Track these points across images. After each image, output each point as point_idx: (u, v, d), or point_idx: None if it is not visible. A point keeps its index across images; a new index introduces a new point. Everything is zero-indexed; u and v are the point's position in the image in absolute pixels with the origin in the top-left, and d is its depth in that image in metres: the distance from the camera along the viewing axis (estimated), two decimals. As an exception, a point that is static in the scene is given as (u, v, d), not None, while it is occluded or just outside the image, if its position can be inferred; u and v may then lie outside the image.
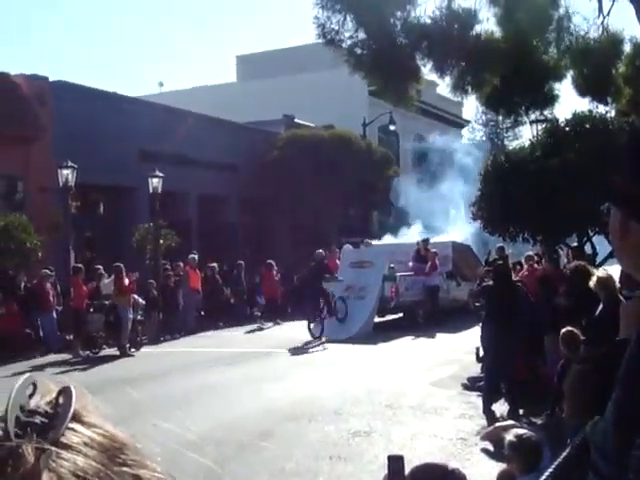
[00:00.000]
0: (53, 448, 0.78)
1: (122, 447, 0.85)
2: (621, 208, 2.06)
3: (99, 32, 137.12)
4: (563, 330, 8.92)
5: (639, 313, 2.72)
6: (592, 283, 9.52)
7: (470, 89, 18.93)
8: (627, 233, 2.04)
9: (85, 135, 28.03)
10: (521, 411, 13.03)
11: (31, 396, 0.84)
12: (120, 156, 29.52)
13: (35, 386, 0.84)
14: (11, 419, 0.79)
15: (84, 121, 28.49)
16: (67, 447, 0.79)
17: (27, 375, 0.84)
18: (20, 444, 0.77)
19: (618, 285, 9.34)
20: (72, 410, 0.83)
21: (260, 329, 28.16)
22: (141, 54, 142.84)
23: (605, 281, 9.36)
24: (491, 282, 14.28)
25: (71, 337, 23.04)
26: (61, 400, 0.84)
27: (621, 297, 8.79)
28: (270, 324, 29.02)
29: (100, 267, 24.43)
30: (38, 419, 0.81)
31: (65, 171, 24.76)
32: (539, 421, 12.35)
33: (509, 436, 4.77)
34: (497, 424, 4.51)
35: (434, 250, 28.47)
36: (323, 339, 23.50)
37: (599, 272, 9.68)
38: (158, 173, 28.03)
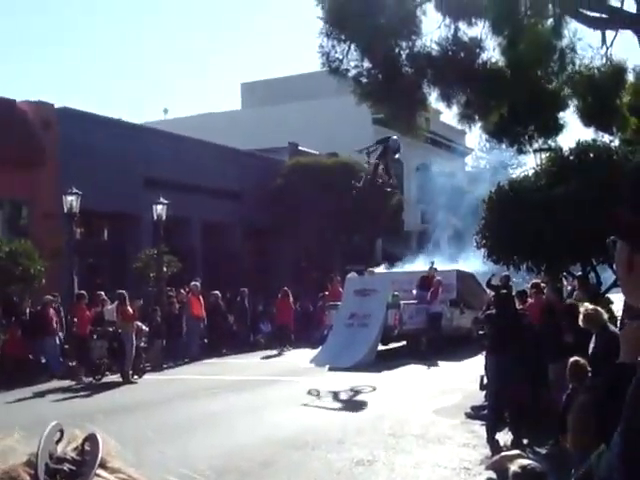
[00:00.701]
0: None
1: None
2: (627, 242, 2.07)
3: (105, 59, 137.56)
4: (571, 360, 8.92)
5: (638, 336, 2.73)
6: (580, 321, 9.57)
7: (477, 117, 18.99)
8: (633, 267, 2.06)
9: (90, 162, 28.13)
10: (525, 441, 12.98)
11: (58, 442, 0.84)
12: (124, 183, 29.61)
13: (62, 433, 0.85)
14: (41, 466, 0.79)
15: (89, 148, 28.60)
16: None
17: (55, 422, 0.85)
18: None
19: (620, 314, 9.39)
20: (99, 458, 0.83)
21: (267, 357, 28.07)
22: (146, 81, 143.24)
23: (591, 315, 9.40)
24: (495, 310, 14.27)
25: (74, 363, 23.04)
26: (87, 447, 0.84)
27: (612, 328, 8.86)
28: (275, 351, 28.96)
29: (103, 294, 24.47)
30: (67, 466, 0.81)
31: (70, 197, 24.86)
32: (543, 451, 12.31)
33: (513, 466, 4.76)
34: (502, 454, 4.49)
35: (438, 278, 28.48)
36: (327, 367, 23.47)
37: (583, 308, 9.71)
38: (162, 200, 28.11)
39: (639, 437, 1.86)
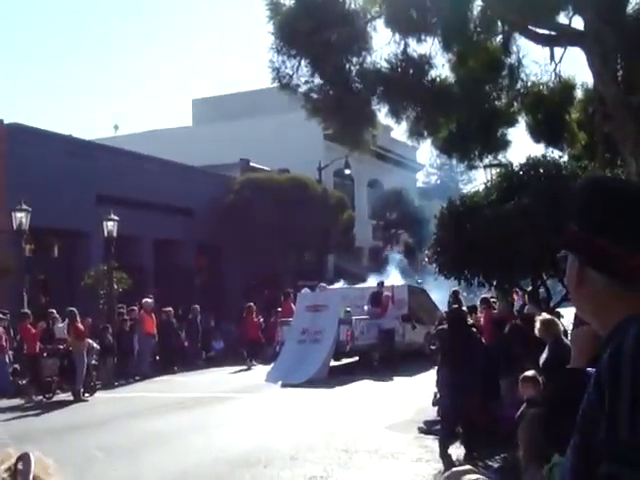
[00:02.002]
0: None
1: None
2: (577, 256, 2.09)
3: (53, 75, 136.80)
4: (524, 374, 8.98)
5: (587, 341, 2.75)
6: (536, 330, 9.61)
7: (426, 133, 19.07)
8: (583, 281, 2.07)
9: (40, 178, 27.90)
10: (477, 454, 13.03)
11: None
12: (75, 199, 29.40)
13: None
14: None
15: (38, 164, 28.37)
16: None
17: None
18: None
19: (570, 327, 9.45)
20: (31, 477, 0.81)
21: (219, 374, 27.96)
22: (96, 97, 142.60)
23: (548, 324, 9.45)
24: (445, 326, 14.33)
25: (24, 382, 22.78)
26: (20, 467, 0.82)
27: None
28: (227, 369, 28.87)
29: (54, 311, 24.25)
30: None
31: (19, 214, 24.64)
32: (495, 465, 12.36)
33: (463, 481, 4.75)
34: (454, 469, 4.48)
35: (387, 293, 28.56)
36: (279, 383, 23.45)
37: (540, 317, 9.76)
38: (113, 216, 27.97)
39: (589, 453, 1.86)
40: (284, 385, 23.12)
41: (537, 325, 9.57)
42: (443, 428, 13.53)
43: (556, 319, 9.70)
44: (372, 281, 32.18)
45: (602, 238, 1.98)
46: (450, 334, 13.65)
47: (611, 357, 1.84)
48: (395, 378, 24.18)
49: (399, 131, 21.51)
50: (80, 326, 22.39)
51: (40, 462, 0.84)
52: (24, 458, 0.83)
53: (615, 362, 1.82)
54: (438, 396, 15.55)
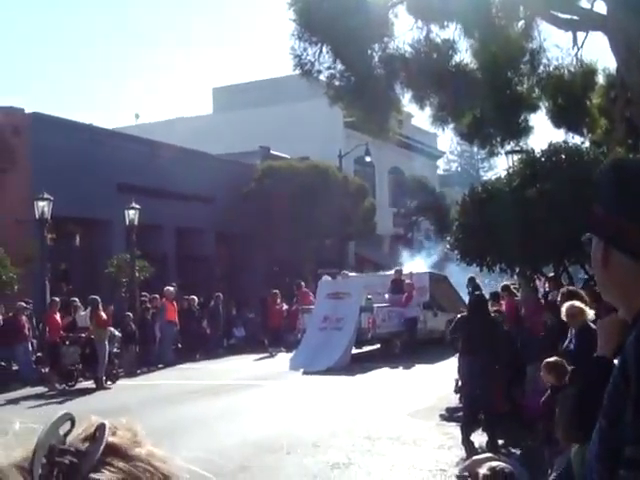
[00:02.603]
0: None
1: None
2: (602, 239, 2.08)
3: (76, 64, 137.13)
4: (546, 360, 8.93)
5: (614, 330, 2.72)
6: (563, 315, 9.53)
7: (450, 119, 19.01)
8: (609, 263, 2.06)
9: (61, 167, 27.97)
10: (500, 442, 13.01)
11: (68, 432, 0.84)
12: (97, 188, 29.46)
13: (73, 423, 0.85)
14: (38, 461, 0.78)
15: (61, 153, 28.45)
16: None
17: (63, 412, 0.85)
18: None
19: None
20: (101, 448, 0.82)
21: (242, 361, 28.01)
22: (117, 86, 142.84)
23: (574, 311, 9.35)
24: (466, 313, 14.29)
25: (47, 370, 22.89)
26: (98, 436, 0.83)
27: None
28: (250, 356, 28.92)
29: (76, 299, 24.32)
30: (68, 459, 0.80)
31: (41, 203, 24.69)
32: (518, 451, 12.34)
33: (482, 469, 4.74)
34: (473, 458, 4.47)
35: (408, 281, 28.48)
36: (301, 371, 23.47)
37: (567, 304, 9.64)
38: (134, 205, 28.01)
39: (615, 438, 1.85)
40: (306, 372, 23.12)
41: (563, 311, 9.48)
42: (465, 415, 13.50)
43: (583, 306, 9.55)
44: (414, 267, 32.27)
45: (627, 220, 1.97)
46: (471, 321, 13.62)
47: (637, 341, 1.83)
48: (416, 365, 24.15)
49: (420, 118, 21.53)
50: (102, 314, 22.46)
51: (129, 430, 0.85)
52: (100, 428, 0.84)
53: (640, 345, 1.81)
54: (460, 383, 15.55)
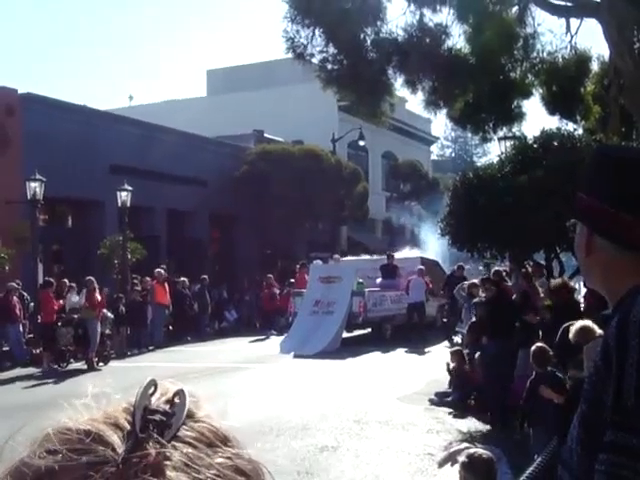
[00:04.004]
0: (171, 442, 0.89)
1: (224, 440, 0.97)
2: (586, 224, 2.09)
3: (68, 45, 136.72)
4: (533, 347, 8.95)
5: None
6: (571, 335, 9.39)
7: (442, 104, 18.98)
8: (592, 249, 2.07)
9: (54, 148, 27.93)
10: (487, 427, 13.06)
11: (152, 395, 0.94)
12: (89, 169, 29.44)
13: (156, 387, 0.95)
14: (138, 414, 0.89)
15: (53, 134, 28.39)
16: (181, 441, 0.89)
17: (150, 378, 0.96)
18: (144, 439, 0.87)
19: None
20: (186, 410, 0.93)
21: (232, 344, 28.06)
22: (111, 67, 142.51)
23: (584, 331, 9.16)
24: (485, 298, 14.35)
25: (38, 351, 22.90)
26: (177, 400, 0.94)
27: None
28: (246, 339, 28.95)
29: (66, 281, 24.32)
30: (158, 417, 0.91)
31: (33, 184, 24.63)
32: (504, 436, 12.38)
33: (461, 457, 4.78)
34: (451, 450, 4.52)
35: (402, 266, 28.43)
36: (292, 354, 23.51)
37: (578, 323, 9.33)
38: (127, 187, 27.97)
39: (595, 422, 1.86)
40: (296, 356, 23.16)
41: (572, 330, 9.34)
42: (496, 402, 13.51)
43: (593, 325, 9.36)
44: (406, 252, 32.35)
45: (610, 206, 1.98)
46: (498, 306, 13.68)
47: (619, 325, 1.84)
48: (407, 350, 24.19)
49: (414, 103, 21.53)
50: (97, 296, 22.50)
51: (191, 396, 0.95)
52: (180, 393, 0.94)
53: (622, 330, 1.82)
54: (451, 366, 15.65)
